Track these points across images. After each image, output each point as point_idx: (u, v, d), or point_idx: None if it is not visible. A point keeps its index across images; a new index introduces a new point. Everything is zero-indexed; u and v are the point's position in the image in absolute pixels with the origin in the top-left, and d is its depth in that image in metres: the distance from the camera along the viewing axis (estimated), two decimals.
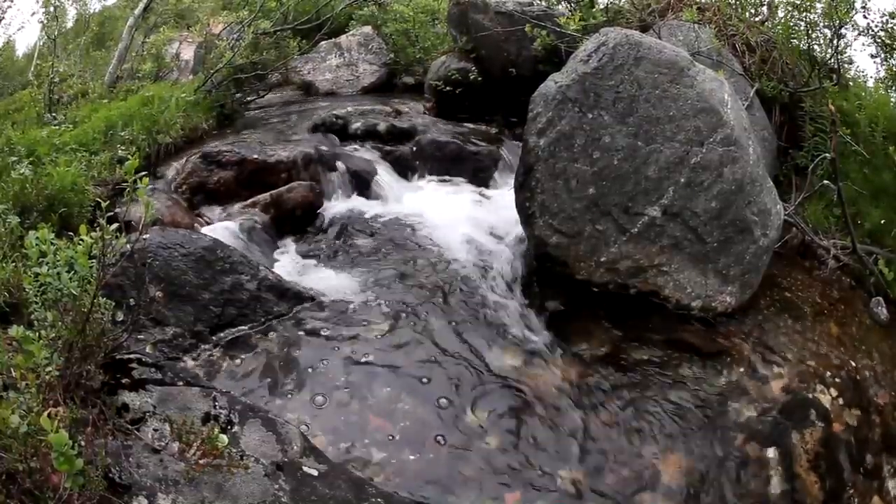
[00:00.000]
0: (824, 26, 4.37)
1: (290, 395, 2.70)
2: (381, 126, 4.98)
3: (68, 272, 2.08)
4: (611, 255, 3.23)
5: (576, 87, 3.23)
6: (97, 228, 2.04)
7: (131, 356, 2.47)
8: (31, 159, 3.60)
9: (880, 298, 3.55)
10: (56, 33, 6.39)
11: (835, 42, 4.24)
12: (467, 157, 4.80)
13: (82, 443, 1.81)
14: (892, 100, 4.50)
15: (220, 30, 6.84)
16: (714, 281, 3.22)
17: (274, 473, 2.10)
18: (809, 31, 4.43)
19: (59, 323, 2.04)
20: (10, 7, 6.23)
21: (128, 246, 2.14)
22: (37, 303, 2.08)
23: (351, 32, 7.19)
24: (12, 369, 1.85)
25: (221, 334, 2.93)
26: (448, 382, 2.85)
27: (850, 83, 4.65)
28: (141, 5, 6.75)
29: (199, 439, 1.99)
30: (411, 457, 2.52)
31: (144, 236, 2.82)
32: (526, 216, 3.40)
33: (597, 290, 3.30)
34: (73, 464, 1.60)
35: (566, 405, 2.82)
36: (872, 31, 4.48)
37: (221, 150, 4.21)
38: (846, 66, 4.78)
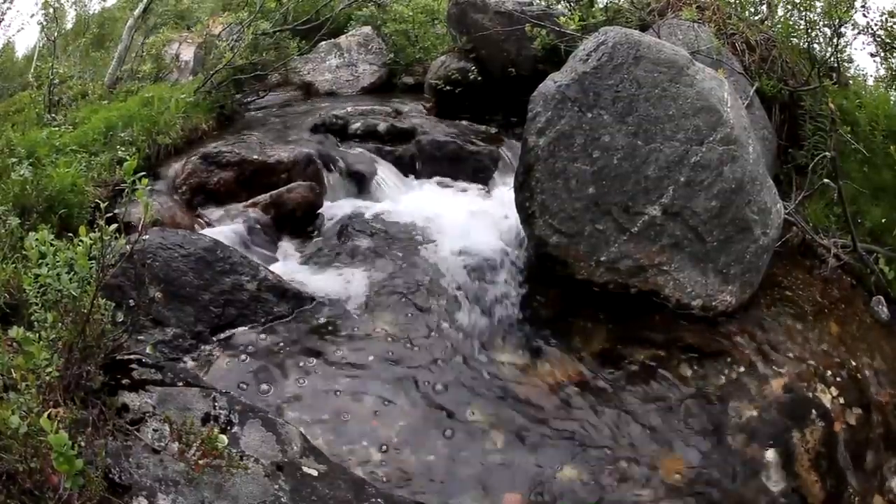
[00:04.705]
0: (824, 25, 4.37)
1: (290, 396, 2.70)
2: (381, 126, 4.97)
3: (68, 273, 2.08)
4: (611, 255, 3.23)
5: (575, 86, 3.22)
6: (97, 229, 2.04)
7: (131, 357, 2.47)
8: (31, 160, 3.59)
9: (881, 297, 3.55)
10: (56, 35, 6.38)
11: (834, 41, 4.24)
12: (467, 157, 4.80)
13: (82, 443, 1.81)
14: (892, 98, 4.50)
15: (220, 31, 6.83)
16: (714, 280, 3.22)
17: (274, 473, 2.10)
18: (809, 30, 4.43)
19: (59, 324, 2.04)
20: (9, 9, 6.22)
21: (127, 247, 2.14)
22: (37, 304, 2.08)
23: (350, 33, 7.18)
24: (12, 370, 1.85)
25: (222, 335, 2.93)
26: (448, 382, 2.85)
27: (850, 82, 4.66)
28: (140, 6, 6.73)
29: (198, 440, 1.98)
30: (411, 457, 2.52)
31: (144, 237, 2.83)
32: (526, 216, 3.40)
33: (597, 289, 3.30)
34: (73, 464, 1.60)
35: (566, 405, 2.82)
36: (872, 29, 4.48)
37: (221, 151, 4.21)
38: (846, 64, 4.79)
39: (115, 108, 4.65)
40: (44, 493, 1.67)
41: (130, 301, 2.70)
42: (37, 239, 2.11)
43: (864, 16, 4.40)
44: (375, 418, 2.65)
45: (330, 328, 3.08)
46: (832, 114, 3.73)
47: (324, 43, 6.92)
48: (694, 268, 3.22)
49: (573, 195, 3.22)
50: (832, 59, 4.42)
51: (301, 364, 2.87)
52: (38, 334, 1.97)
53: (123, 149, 3.96)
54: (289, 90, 6.86)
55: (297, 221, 3.97)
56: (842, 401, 2.96)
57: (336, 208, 4.18)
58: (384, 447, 2.53)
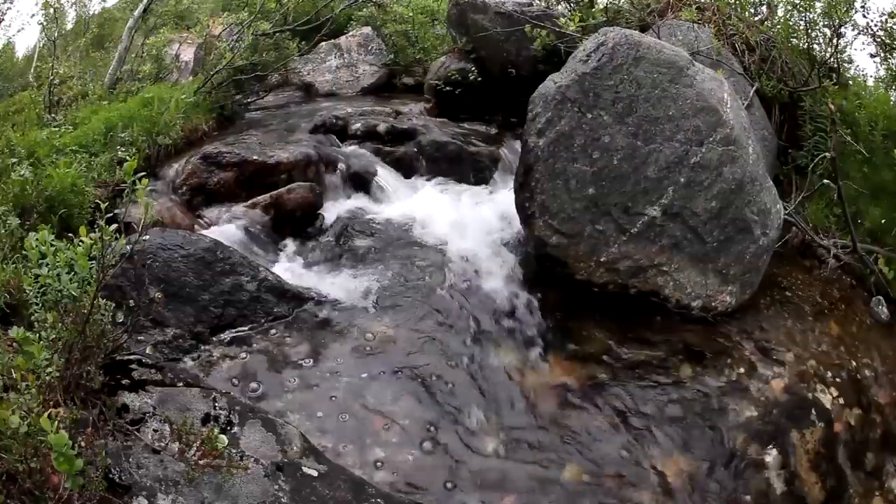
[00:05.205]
0: (824, 25, 4.37)
1: (290, 396, 2.70)
2: (381, 127, 4.97)
3: (68, 273, 2.08)
4: (611, 255, 3.23)
5: (575, 87, 3.23)
6: (97, 230, 2.04)
7: (131, 357, 2.47)
8: (31, 161, 3.59)
9: (881, 297, 3.55)
10: (56, 35, 6.39)
11: (834, 41, 4.24)
12: (467, 158, 4.80)
13: (82, 443, 1.81)
14: (892, 98, 4.49)
15: (220, 31, 6.83)
16: (714, 280, 3.22)
17: (274, 474, 2.10)
18: (809, 31, 4.43)
19: (60, 324, 2.04)
20: (9, 9, 6.22)
21: (127, 247, 2.14)
22: (37, 304, 2.09)
23: (350, 33, 7.19)
24: (13, 370, 1.85)
25: (221, 335, 2.93)
26: (447, 383, 2.85)
27: (850, 82, 4.65)
28: (140, 7, 6.73)
29: (198, 440, 1.98)
30: (411, 457, 2.52)
31: (144, 237, 2.83)
32: (526, 216, 3.40)
33: (597, 290, 3.30)
34: (73, 464, 1.60)
35: (566, 405, 2.82)
36: (872, 30, 4.47)
37: (221, 152, 4.20)
38: (846, 65, 4.78)
39: (115, 109, 4.65)
40: (44, 493, 1.67)
41: (130, 301, 2.69)
42: (37, 239, 2.11)
43: (864, 16, 4.40)
44: (375, 419, 2.65)
45: (330, 329, 3.08)
46: (832, 114, 3.73)
47: (324, 43, 6.92)
48: (694, 268, 3.22)
49: (573, 196, 3.22)
50: (832, 59, 4.41)
51: (301, 364, 2.87)
52: (38, 334, 1.97)
53: (123, 149, 3.96)
54: (289, 91, 6.86)
55: (297, 222, 3.97)
56: (842, 401, 2.96)
57: (336, 209, 4.18)
58: (384, 448, 2.53)
